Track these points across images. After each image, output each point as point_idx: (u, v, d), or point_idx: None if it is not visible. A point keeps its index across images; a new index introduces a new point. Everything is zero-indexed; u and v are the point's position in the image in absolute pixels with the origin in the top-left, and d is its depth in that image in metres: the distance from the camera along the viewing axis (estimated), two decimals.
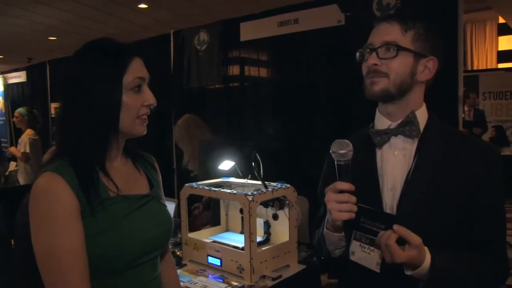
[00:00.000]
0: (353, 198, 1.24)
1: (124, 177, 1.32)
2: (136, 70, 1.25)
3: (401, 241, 1.19)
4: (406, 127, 1.33)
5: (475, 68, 10.14)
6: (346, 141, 1.26)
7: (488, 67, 10.21)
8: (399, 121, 1.35)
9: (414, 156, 1.31)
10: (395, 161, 1.35)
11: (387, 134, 1.35)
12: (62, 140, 1.26)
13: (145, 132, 1.31)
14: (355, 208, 1.25)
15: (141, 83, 1.26)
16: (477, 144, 1.35)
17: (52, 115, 7.22)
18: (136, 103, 1.25)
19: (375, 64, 1.31)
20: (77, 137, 1.22)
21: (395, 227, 1.18)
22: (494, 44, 10.41)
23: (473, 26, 10.31)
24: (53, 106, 7.22)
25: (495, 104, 8.16)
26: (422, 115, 1.35)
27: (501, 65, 10.08)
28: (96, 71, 1.21)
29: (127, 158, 1.39)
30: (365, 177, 1.35)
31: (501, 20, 9.25)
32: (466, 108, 6.39)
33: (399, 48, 1.29)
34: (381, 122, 1.39)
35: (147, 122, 1.30)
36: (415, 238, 1.18)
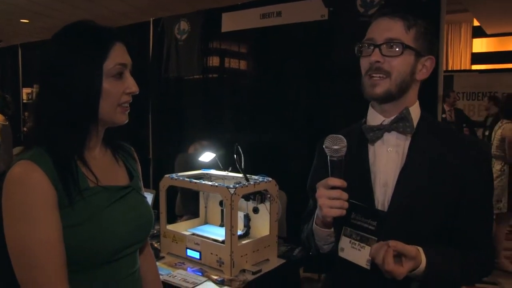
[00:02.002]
0: (345, 195, 1.23)
1: (104, 167, 1.28)
2: (118, 56, 1.20)
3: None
4: (400, 123, 1.32)
5: (449, 68, 10.32)
6: (340, 136, 1.24)
7: (463, 68, 10.40)
8: (392, 117, 1.34)
9: (408, 152, 1.31)
10: (388, 158, 1.34)
11: (380, 130, 1.34)
12: (38, 127, 1.19)
13: (126, 121, 1.26)
14: (346, 205, 1.23)
15: (123, 70, 1.21)
16: (467, 140, 1.36)
17: (24, 101, 7.03)
18: (117, 91, 1.20)
19: (378, 61, 1.29)
20: (54, 124, 1.16)
21: (392, 244, 1.16)
22: (469, 46, 10.59)
23: (449, 27, 10.48)
24: (25, 91, 7.02)
25: (467, 104, 8.33)
26: (415, 111, 1.35)
27: (474, 67, 10.25)
28: (76, 56, 1.15)
29: (106, 148, 1.34)
30: (357, 173, 1.34)
31: (476, 23, 9.43)
32: (447, 108, 6.45)
33: (405, 46, 1.28)
34: (374, 117, 1.38)
35: (128, 111, 1.25)
36: (411, 250, 1.17)
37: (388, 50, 1.28)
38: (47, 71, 1.18)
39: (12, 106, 5.63)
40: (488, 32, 9.37)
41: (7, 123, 5.39)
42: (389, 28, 1.30)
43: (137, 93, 1.25)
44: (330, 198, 1.23)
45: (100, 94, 1.17)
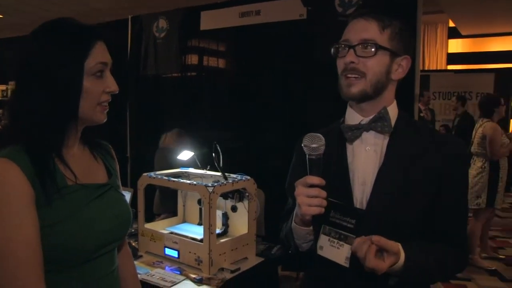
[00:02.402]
0: (323, 193, 1.23)
1: (82, 165, 1.27)
2: (99, 54, 1.19)
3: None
4: (378, 122, 1.33)
5: (426, 68, 10.49)
6: (319, 135, 1.25)
7: (439, 68, 10.60)
8: (371, 117, 1.35)
9: (386, 152, 1.32)
10: (366, 156, 1.35)
11: (359, 130, 1.35)
12: (16, 124, 1.17)
13: (105, 120, 1.25)
14: (325, 203, 1.24)
15: (104, 69, 1.20)
16: (444, 139, 1.38)
17: None
18: (98, 89, 1.19)
19: (353, 62, 1.30)
20: (32, 122, 1.14)
21: (375, 239, 1.17)
22: (444, 47, 10.78)
23: (426, 27, 10.64)
24: (0, 88, 6.90)
25: (443, 104, 8.48)
26: (393, 111, 1.36)
27: (450, 67, 10.48)
28: (57, 54, 1.14)
29: (84, 146, 1.33)
30: (335, 171, 1.35)
31: (451, 24, 9.59)
32: (422, 107, 6.55)
33: (378, 47, 1.29)
34: (353, 117, 1.39)
35: (107, 110, 1.25)
36: (393, 246, 1.18)
37: (362, 51, 1.30)
38: (26, 68, 1.16)
39: None
40: (463, 33, 9.58)
41: None
42: (364, 29, 1.31)
43: (117, 92, 1.24)
44: (308, 196, 1.23)
45: (80, 93, 1.16)
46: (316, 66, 3.57)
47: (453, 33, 10.14)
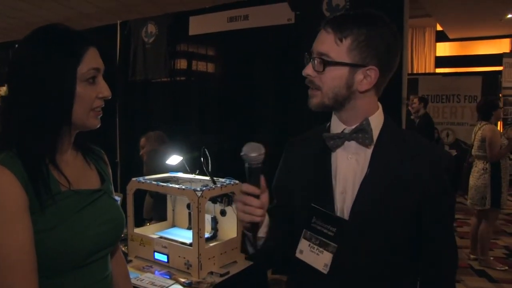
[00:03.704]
0: (256, 202, 1.22)
1: (75, 171, 1.27)
2: (92, 60, 1.20)
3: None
4: (359, 134, 1.30)
5: (414, 71, 10.55)
6: (258, 144, 1.23)
7: (427, 71, 10.68)
8: (353, 127, 1.32)
9: (370, 163, 1.30)
10: (348, 165, 1.33)
11: (341, 139, 1.33)
12: (8, 130, 1.18)
13: (98, 125, 1.25)
14: (258, 212, 1.23)
15: (96, 74, 1.21)
16: (428, 149, 1.35)
17: None
18: (90, 95, 1.20)
19: (310, 75, 1.29)
20: (25, 128, 1.14)
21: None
22: (432, 50, 10.87)
23: (414, 31, 10.72)
24: None
25: (432, 106, 8.51)
26: (376, 120, 1.33)
27: (438, 70, 10.58)
28: (49, 60, 1.14)
29: (77, 152, 1.33)
30: (318, 178, 1.34)
31: (439, 28, 9.67)
32: (412, 111, 6.55)
33: (327, 63, 1.25)
34: (337, 125, 1.36)
35: (100, 115, 1.25)
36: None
37: (318, 65, 1.27)
38: (18, 74, 1.17)
39: None
40: (450, 37, 9.67)
41: None
42: (322, 41, 1.28)
43: (110, 97, 1.24)
44: (242, 203, 1.23)
45: (73, 99, 1.16)
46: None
47: (441, 37, 10.23)
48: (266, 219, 1.33)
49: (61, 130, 1.20)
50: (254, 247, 1.33)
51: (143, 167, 3.86)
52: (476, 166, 4.90)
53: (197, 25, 4.33)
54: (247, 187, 1.22)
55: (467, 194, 5.01)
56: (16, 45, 1.22)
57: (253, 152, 1.21)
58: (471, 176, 4.94)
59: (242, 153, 1.22)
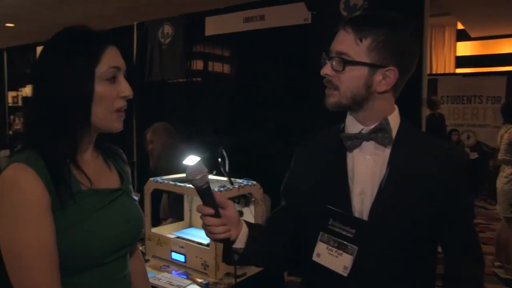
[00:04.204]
0: (215, 221, 1.25)
1: (95, 170, 1.27)
2: (111, 59, 1.19)
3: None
4: (379, 133, 1.29)
5: (434, 72, 10.34)
6: (198, 164, 1.24)
7: (447, 72, 10.41)
8: (371, 127, 1.30)
9: (388, 163, 1.28)
10: (366, 166, 1.31)
11: (359, 139, 1.31)
12: (31, 130, 1.20)
13: (121, 129, 1.24)
14: (219, 229, 1.25)
15: (116, 73, 1.20)
16: (445, 149, 1.35)
17: (9, 104, 7.00)
18: (111, 94, 1.19)
19: (328, 75, 1.28)
20: (47, 128, 1.15)
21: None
22: (453, 50, 10.60)
23: (433, 31, 10.50)
24: (11, 94, 7.01)
25: (452, 108, 8.36)
26: (394, 120, 1.31)
27: (458, 70, 10.27)
28: (67, 61, 1.15)
29: (97, 151, 1.33)
30: (333, 179, 1.33)
31: (460, 27, 9.45)
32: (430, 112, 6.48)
33: (347, 62, 1.24)
34: (353, 125, 1.34)
35: (123, 117, 1.24)
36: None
37: (336, 65, 1.26)
38: (41, 76, 1.18)
39: None
40: (472, 36, 9.41)
41: None
42: (341, 41, 1.27)
43: (131, 97, 1.23)
44: (204, 224, 1.27)
45: (91, 99, 1.16)
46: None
47: (462, 36, 9.99)
48: (244, 229, 1.34)
49: (81, 131, 1.20)
50: (232, 259, 1.33)
51: (152, 162, 3.81)
52: (503, 171, 4.71)
53: (213, 26, 4.33)
54: (201, 208, 1.25)
55: (492, 199, 4.83)
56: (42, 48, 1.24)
57: (197, 175, 1.22)
58: (498, 181, 4.78)
59: (187, 179, 1.23)
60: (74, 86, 1.14)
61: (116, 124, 1.23)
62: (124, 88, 1.22)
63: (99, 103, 1.17)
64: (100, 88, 1.17)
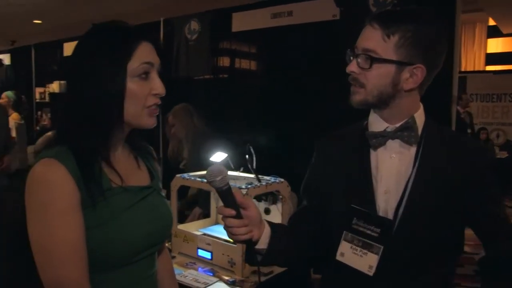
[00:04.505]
0: (237, 222, 1.23)
1: (126, 167, 1.25)
2: (143, 55, 1.17)
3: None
4: (405, 132, 1.27)
5: (463, 69, 10.11)
6: (218, 166, 1.22)
7: (476, 69, 10.14)
8: (397, 125, 1.29)
9: (414, 162, 1.27)
10: (391, 164, 1.29)
11: (384, 138, 1.30)
12: (63, 126, 1.18)
13: (154, 125, 1.22)
14: (241, 230, 1.24)
15: (149, 69, 1.17)
16: (472, 147, 1.33)
17: (37, 100, 7.12)
18: (143, 91, 1.17)
19: (354, 72, 1.26)
20: (79, 125, 1.14)
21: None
22: (483, 46, 10.36)
23: (463, 27, 10.30)
24: (38, 90, 7.14)
25: (481, 106, 8.18)
26: (420, 119, 1.30)
27: (489, 68, 10.00)
28: (99, 56, 1.14)
29: (127, 148, 1.31)
30: (357, 177, 1.31)
31: (491, 23, 9.23)
32: (461, 110, 6.36)
33: (374, 60, 1.21)
34: (378, 123, 1.32)
35: (156, 114, 1.22)
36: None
37: (362, 62, 1.23)
38: (73, 71, 1.18)
39: (26, 105, 5.75)
40: (504, 32, 9.15)
41: (22, 122, 5.49)
42: (367, 37, 1.24)
43: (164, 95, 1.21)
44: (226, 226, 1.25)
45: (123, 95, 1.14)
46: None
47: (493, 32, 9.73)
48: (267, 230, 1.33)
49: (114, 127, 1.18)
50: (255, 259, 1.32)
51: (172, 146, 3.81)
52: None
53: (240, 22, 4.32)
54: (222, 210, 1.24)
55: None
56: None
57: (216, 176, 1.20)
58: None
59: (207, 181, 1.22)
60: (106, 82, 1.13)
61: (148, 121, 1.21)
62: (157, 86, 1.19)
63: (130, 99, 1.16)
64: (131, 84, 1.15)
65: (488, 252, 1.32)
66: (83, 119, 1.14)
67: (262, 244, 1.31)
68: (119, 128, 1.20)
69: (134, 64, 1.15)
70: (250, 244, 1.29)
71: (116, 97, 1.14)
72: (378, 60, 1.21)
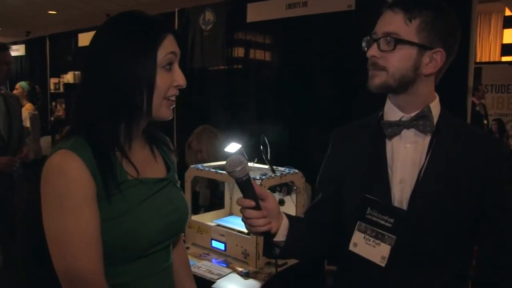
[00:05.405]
0: (255, 213, 1.22)
1: (142, 159, 1.24)
2: (169, 45, 1.16)
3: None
4: (420, 121, 1.27)
5: (478, 60, 9.98)
6: (238, 156, 1.21)
7: (492, 60, 10.03)
8: (412, 114, 1.29)
9: (428, 151, 1.26)
10: (406, 154, 1.29)
11: (399, 127, 1.30)
12: (80, 117, 1.17)
13: (171, 116, 1.22)
14: (260, 222, 1.23)
15: (173, 59, 1.16)
16: (486, 139, 1.33)
17: (51, 91, 7.16)
18: (166, 83, 1.15)
19: (374, 56, 1.26)
20: (98, 116, 1.12)
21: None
22: (499, 37, 10.18)
23: (479, 17, 10.15)
24: (52, 81, 7.17)
25: (496, 97, 8.06)
26: (435, 108, 1.30)
27: (504, 58, 9.85)
28: (128, 47, 1.11)
29: (144, 140, 1.30)
30: (373, 167, 1.31)
31: (508, 13, 9.11)
32: (476, 102, 6.28)
33: (398, 41, 1.22)
34: (393, 113, 1.33)
35: (174, 105, 1.21)
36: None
37: (384, 45, 1.24)
38: (95, 60, 1.15)
39: (40, 96, 5.77)
40: None
41: (36, 112, 5.53)
42: (388, 22, 1.25)
43: (185, 86, 1.20)
44: (244, 217, 1.24)
45: (154, 84, 1.13)
46: (365, 58, 3.48)
47: (509, 23, 9.60)
48: (285, 221, 1.33)
49: (140, 119, 1.18)
50: (273, 252, 1.32)
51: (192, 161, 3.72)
52: None
53: (255, 12, 4.29)
54: (241, 201, 1.23)
55: None
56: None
57: (236, 166, 1.19)
58: None
59: (227, 172, 1.21)
60: (135, 73, 1.11)
61: (166, 113, 1.20)
62: (179, 77, 1.19)
63: (155, 90, 1.14)
64: (157, 75, 1.14)
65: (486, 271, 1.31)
66: (103, 111, 1.12)
67: (280, 236, 1.31)
68: (143, 120, 1.19)
69: (162, 54, 1.14)
70: (268, 236, 1.28)
71: (146, 87, 1.13)
72: (401, 41, 1.22)
